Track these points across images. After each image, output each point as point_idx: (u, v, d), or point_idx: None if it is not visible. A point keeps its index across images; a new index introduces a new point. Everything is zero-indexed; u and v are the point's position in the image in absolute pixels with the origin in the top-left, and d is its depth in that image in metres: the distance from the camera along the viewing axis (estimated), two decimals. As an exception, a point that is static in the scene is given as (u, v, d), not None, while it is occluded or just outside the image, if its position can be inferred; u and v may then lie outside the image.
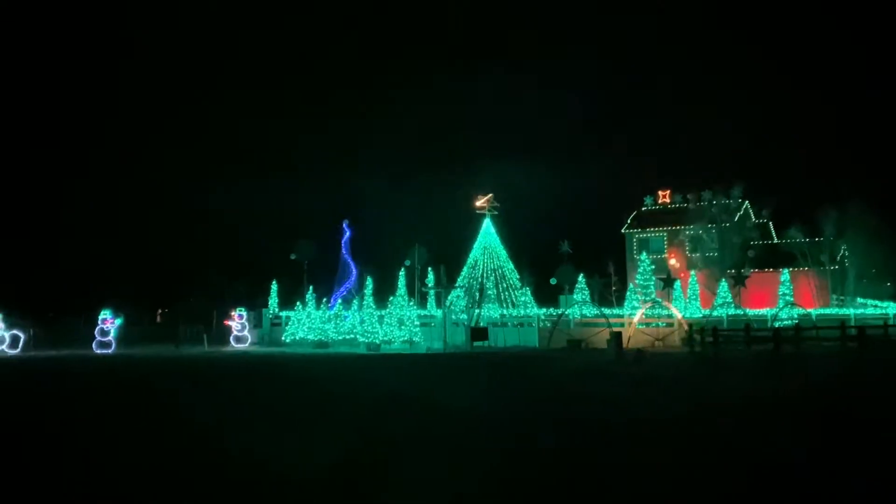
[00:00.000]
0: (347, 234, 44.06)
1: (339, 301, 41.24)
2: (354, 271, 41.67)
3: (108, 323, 35.43)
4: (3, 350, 33.38)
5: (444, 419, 12.14)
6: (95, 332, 35.44)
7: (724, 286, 41.39)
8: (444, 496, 7.15)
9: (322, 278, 43.91)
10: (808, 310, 39.71)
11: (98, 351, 34.55)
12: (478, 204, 44.39)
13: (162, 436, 10.74)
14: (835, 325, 31.79)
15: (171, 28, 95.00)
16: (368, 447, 9.55)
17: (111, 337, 35.36)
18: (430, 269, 42.96)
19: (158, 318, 58.60)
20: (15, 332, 34.43)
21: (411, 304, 38.88)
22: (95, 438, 10.58)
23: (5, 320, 34.21)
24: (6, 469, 8.58)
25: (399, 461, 8.72)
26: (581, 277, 40.74)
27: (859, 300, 43.73)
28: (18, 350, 33.97)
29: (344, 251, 43.70)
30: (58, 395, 16.74)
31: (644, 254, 45.58)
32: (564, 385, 18.14)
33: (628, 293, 41.20)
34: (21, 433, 11.09)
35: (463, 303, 40.11)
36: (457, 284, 41.27)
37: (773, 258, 47.13)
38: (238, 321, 40.50)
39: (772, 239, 50.48)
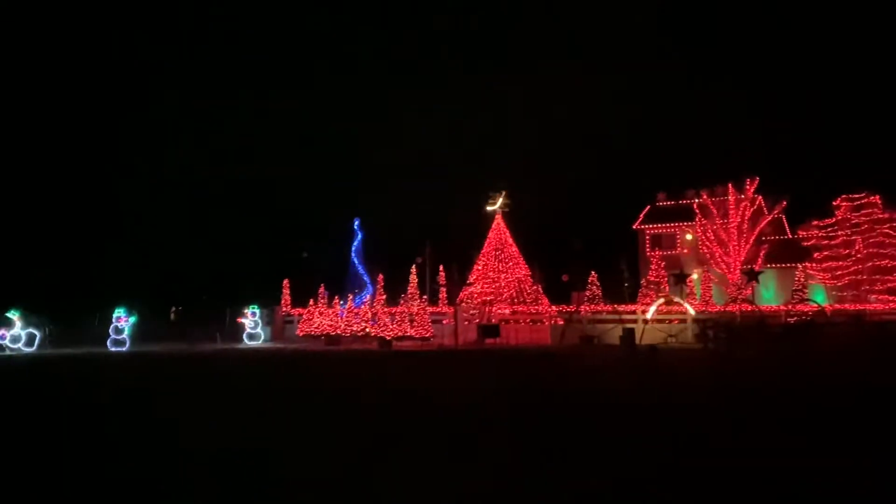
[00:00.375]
0: (358, 237, 43.97)
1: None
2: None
3: (123, 321, 35.81)
4: (19, 348, 33.80)
5: (456, 417, 12.14)
6: (110, 329, 35.84)
7: (737, 281, 41.16)
8: (450, 495, 7.15)
9: (333, 275, 44.10)
10: (822, 305, 39.38)
11: (112, 349, 34.94)
12: (489, 201, 44.37)
13: (172, 432, 10.82)
14: (850, 320, 31.56)
15: (179, 28, 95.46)
16: (378, 444, 9.57)
17: (125, 335, 35.74)
18: (441, 265, 43.01)
19: (172, 316, 58.98)
20: (31, 330, 34.85)
21: (422, 300, 38.95)
22: (107, 434, 10.68)
23: (22, 319, 34.61)
24: (17, 464, 8.68)
25: (408, 458, 8.73)
26: (593, 273, 40.63)
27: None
28: (34, 348, 34.38)
29: (354, 258, 43.51)
30: (72, 392, 16.92)
31: (657, 249, 45.39)
32: (577, 382, 18.13)
33: (641, 289, 41.05)
34: (29, 429, 11.22)
35: (474, 299, 40.14)
36: (468, 281, 41.27)
37: (787, 253, 46.82)
38: (251, 318, 40.86)
39: (785, 233, 50.11)
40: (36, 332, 35.14)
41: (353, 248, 43.94)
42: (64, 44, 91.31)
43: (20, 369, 24.29)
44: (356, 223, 44.50)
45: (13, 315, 34.16)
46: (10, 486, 7.61)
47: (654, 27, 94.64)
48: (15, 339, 33.96)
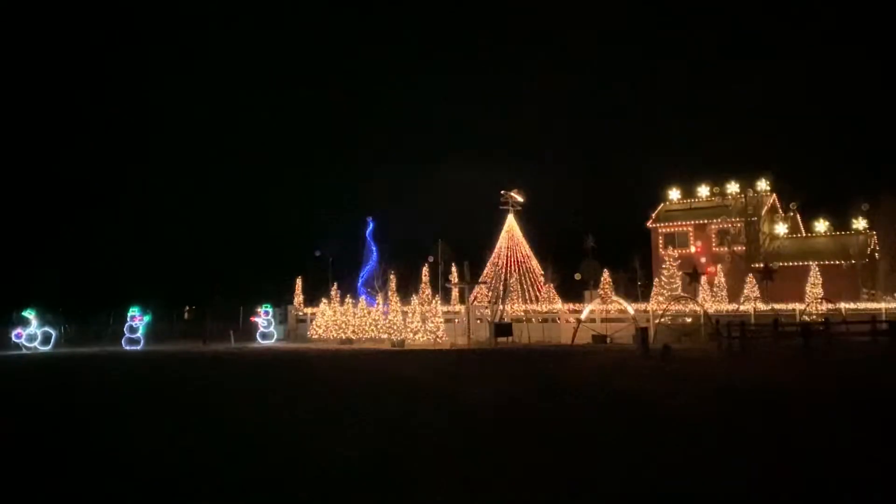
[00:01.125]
0: (371, 226, 44.49)
1: (364, 296, 41.46)
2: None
3: (137, 320, 36.06)
4: (35, 347, 34.07)
5: (470, 416, 12.14)
6: (125, 328, 36.07)
7: (751, 280, 40.92)
8: (466, 497, 7.15)
9: (346, 274, 44.20)
10: (838, 304, 39.05)
11: (127, 347, 35.17)
12: (501, 199, 44.32)
13: (186, 429, 10.88)
14: (865, 320, 31.22)
15: (186, 27, 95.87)
16: (393, 443, 9.59)
17: (140, 333, 35.98)
18: (453, 264, 42.97)
19: (186, 315, 59.27)
20: (47, 328, 35.15)
21: (435, 299, 38.93)
22: (118, 431, 10.75)
23: (38, 318, 34.90)
24: (31, 459, 8.77)
25: (422, 458, 8.73)
26: (606, 272, 40.52)
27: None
28: (50, 347, 34.66)
29: (368, 237, 44.17)
30: (85, 389, 17.05)
31: (670, 248, 45.19)
32: (590, 381, 18.08)
33: (654, 288, 40.88)
34: (42, 426, 11.32)
35: (486, 298, 40.08)
36: (480, 280, 41.21)
37: (802, 252, 46.47)
38: (264, 318, 40.95)
39: (800, 232, 49.77)
40: (51, 331, 35.45)
41: (367, 233, 44.74)
42: (73, 42, 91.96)
43: (37, 368, 24.50)
44: (369, 222, 44.68)
45: (29, 314, 34.45)
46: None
47: (668, 25, 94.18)
48: (31, 338, 34.25)
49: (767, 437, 9.78)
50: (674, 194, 52.61)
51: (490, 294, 40.82)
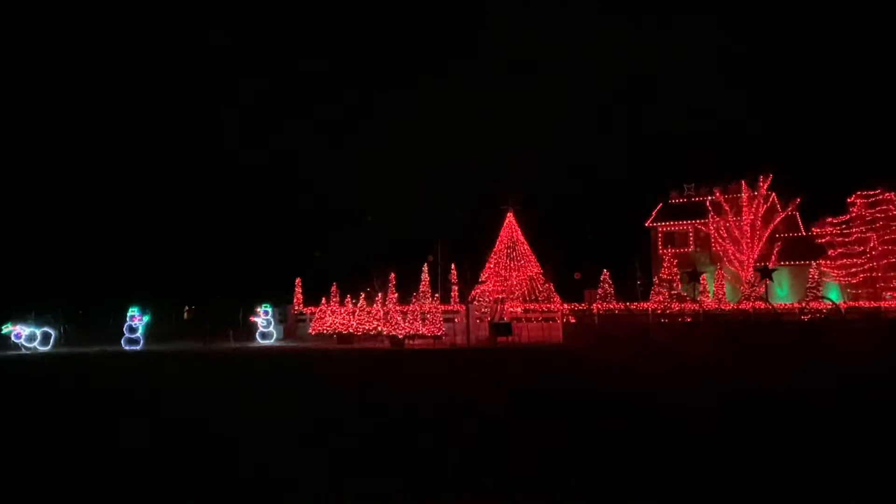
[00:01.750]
0: None
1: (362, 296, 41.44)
2: None
3: (137, 320, 36.01)
4: (34, 347, 34.03)
5: (472, 416, 12.14)
6: (124, 328, 36.02)
7: (750, 279, 40.98)
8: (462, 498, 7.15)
9: (345, 273, 44.13)
10: (837, 302, 39.14)
11: (127, 347, 35.14)
12: (501, 197, 44.40)
13: (183, 427, 10.88)
14: (865, 318, 31.32)
15: (186, 25, 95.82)
16: (390, 444, 9.59)
17: (139, 333, 35.94)
18: (453, 263, 42.94)
19: (185, 315, 59.28)
20: (46, 329, 35.09)
21: (434, 298, 38.88)
22: (117, 429, 10.75)
23: (36, 318, 34.83)
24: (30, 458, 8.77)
25: (420, 460, 8.73)
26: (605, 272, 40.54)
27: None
28: (49, 347, 34.61)
29: None
30: (87, 388, 17.05)
31: (669, 247, 45.13)
32: (590, 380, 18.10)
33: (654, 287, 40.92)
34: (42, 426, 11.31)
35: (486, 297, 40.08)
36: (480, 279, 41.22)
37: (801, 250, 46.52)
38: (263, 317, 40.92)
39: (799, 231, 49.80)
40: (51, 332, 35.39)
41: None
42: (69, 41, 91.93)
43: (39, 369, 24.48)
44: None
45: (29, 314, 34.40)
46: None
47: (665, 25, 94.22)
48: (30, 339, 34.20)
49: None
50: (673, 193, 52.59)
51: (490, 293, 40.80)
